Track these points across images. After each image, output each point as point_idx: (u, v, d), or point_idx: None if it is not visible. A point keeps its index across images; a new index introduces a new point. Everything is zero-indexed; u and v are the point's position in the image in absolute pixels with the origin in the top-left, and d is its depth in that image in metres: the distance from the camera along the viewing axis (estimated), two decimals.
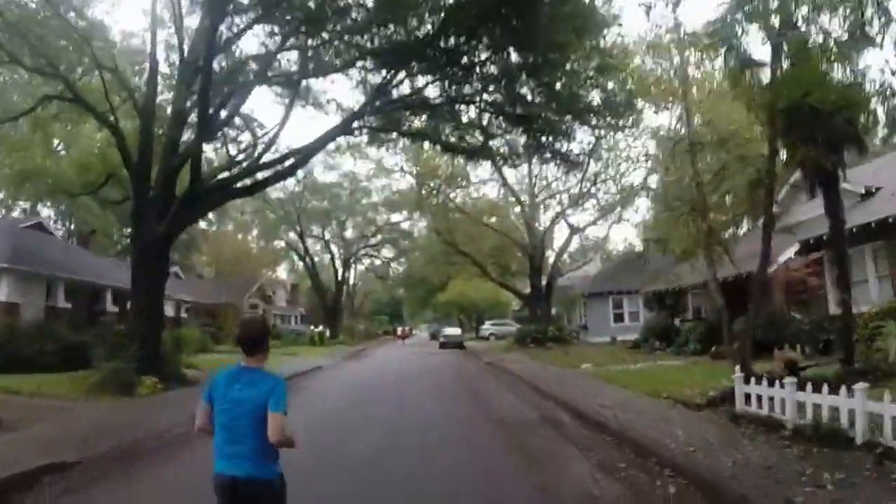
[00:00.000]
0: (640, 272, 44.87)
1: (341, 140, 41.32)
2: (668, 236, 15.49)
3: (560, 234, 50.07)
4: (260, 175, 23.39)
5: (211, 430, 4.49)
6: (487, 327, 69.53)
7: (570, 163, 25.01)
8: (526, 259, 48.69)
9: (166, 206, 19.98)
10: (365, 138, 32.11)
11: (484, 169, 48.15)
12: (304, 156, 22.44)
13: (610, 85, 21.97)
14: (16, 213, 47.11)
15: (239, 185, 22.63)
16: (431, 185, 46.76)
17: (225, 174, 23.64)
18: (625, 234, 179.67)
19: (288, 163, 22.98)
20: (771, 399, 11.27)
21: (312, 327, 64.95)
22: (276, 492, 4.45)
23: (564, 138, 23.44)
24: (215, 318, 51.09)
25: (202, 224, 72.55)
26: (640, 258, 42.23)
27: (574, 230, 46.72)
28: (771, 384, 11.34)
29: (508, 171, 46.04)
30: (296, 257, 75.09)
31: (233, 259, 59.09)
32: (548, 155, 23.89)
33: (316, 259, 76.09)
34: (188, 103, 20.02)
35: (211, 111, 20.89)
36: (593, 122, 22.85)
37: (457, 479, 9.26)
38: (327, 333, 62.92)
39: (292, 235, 70.08)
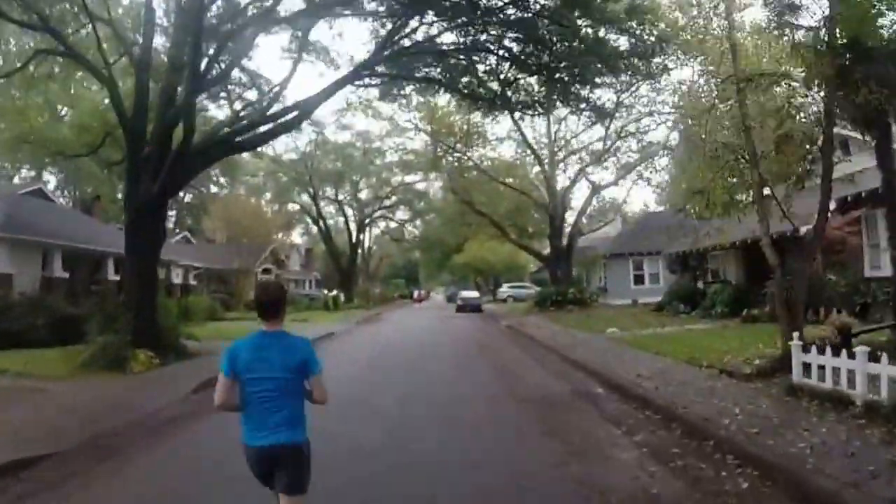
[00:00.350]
0: (660, 233, 43.51)
1: (353, 96, 40.11)
2: (708, 188, 13.78)
3: (580, 193, 48.48)
4: (263, 129, 21.79)
5: (235, 405, 4.43)
6: (505, 290, 68.12)
7: (599, 112, 23.33)
8: (545, 220, 47.25)
9: (162, 164, 18.57)
10: (377, 92, 30.47)
11: (501, 126, 46.68)
12: (308, 106, 20.88)
13: (638, 28, 20.31)
14: (17, 181, 45.89)
15: (240, 139, 21.12)
16: (446, 143, 45.11)
17: (226, 130, 22.16)
18: (643, 197, 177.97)
19: (292, 115, 21.42)
20: (835, 370, 9.83)
21: (326, 291, 64.11)
22: (307, 454, 4.51)
23: (591, 87, 21.90)
24: (227, 283, 50.18)
25: (213, 188, 71.84)
26: (674, 214, 40.69)
27: (596, 188, 45.06)
28: (836, 353, 9.94)
29: (527, 130, 44.69)
30: (309, 220, 73.69)
31: (245, 223, 57.75)
32: (574, 103, 22.21)
33: (330, 222, 74.99)
34: (186, 54, 18.47)
35: (206, 60, 19.44)
36: (621, 68, 21.16)
37: (484, 472, 7.77)
38: (342, 298, 61.97)
39: (305, 198, 68.81)
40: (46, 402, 12.17)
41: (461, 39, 21.56)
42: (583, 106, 22.61)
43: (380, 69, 22.24)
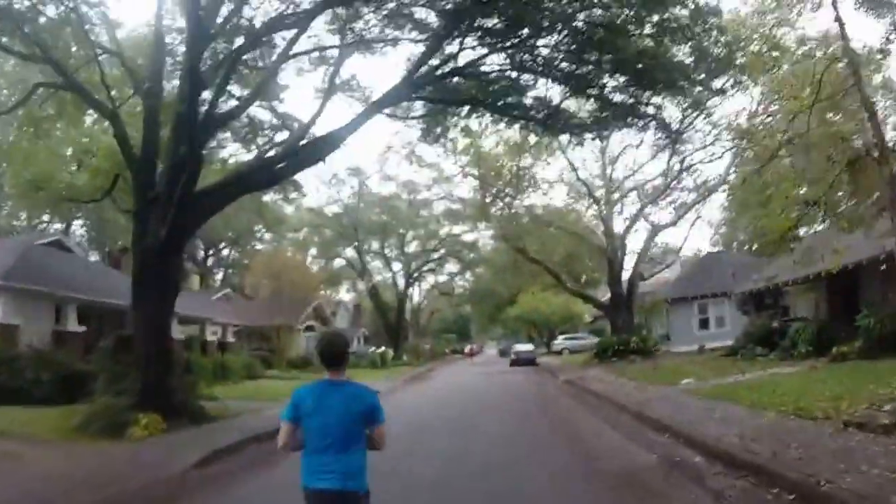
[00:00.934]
0: (722, 274, 41.53)
1: (394, 139, 38.30)
2: (827, 197, 11.09)
3: (637, 236, 45.40)
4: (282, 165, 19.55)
5: (297, 446, 4.55)
6: (560, 342, 64.78)
7: (663, 128, 20.60)
8: (601, 266, 44.67)
9: (171, 206, 16.41)
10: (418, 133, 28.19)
11: (552, 169, 44.38)
12: (333, 139, 18.53)
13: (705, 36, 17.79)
14: (45, 232, 44.50)
15: (258, 176, 18.96)
16: (495, 188, 42.79)
17: (244, 168, 20.05)
18: (696, 240, 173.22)
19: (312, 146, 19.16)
20: None
21: (373, 349, 61.86)
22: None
23: (652, 105, 19.33)
24: (268, 340, 48.11)
25: (258, 245, 70.31)
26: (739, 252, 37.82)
27: (655, 229, 42.13)
28: None
29: (581, 172, 42.19)
30: (355, 275, 71.79)
31: (287, 278, 55.74)
32: (635, 122, 19.52)
33: (377, 277, 73.16)
34: (187, 81, 16.35)
35: (214, 91, 17.39)
36: (686, 84, 18.56)
37: None
38: (390, 354, 59.60)
39: (351, 252, 67.02)
40: (9, 472, 10.05)
41: (506, 61, 19.23)
42: (643, 124, 19.83)
43: (416, 95, 19.85)
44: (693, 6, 16.48)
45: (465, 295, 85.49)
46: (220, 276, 72.65)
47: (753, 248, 60.21)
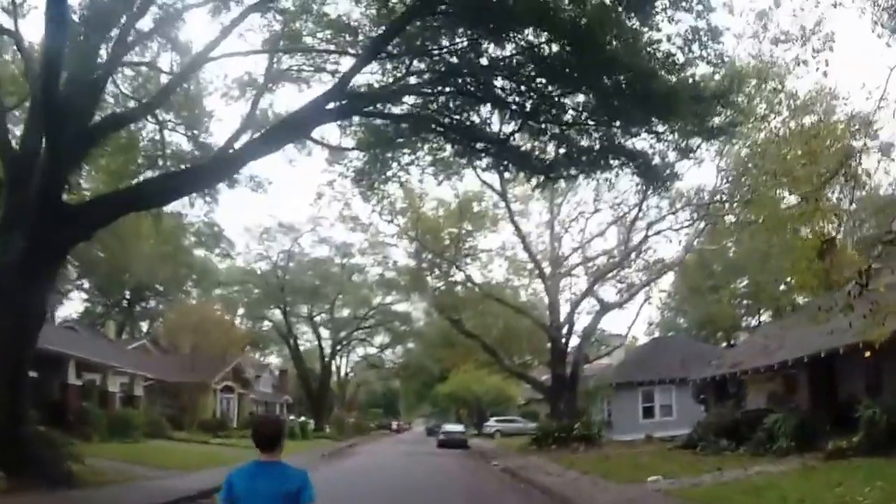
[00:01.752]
0: (670, 361, 39.35)
1: (325, 188, 35.40)
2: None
3: (582, 317, 42.39)
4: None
5: None
6: (492, 424, 60.79)
7: (652, 176, 17.67)
8: (541, 344, 41.67)
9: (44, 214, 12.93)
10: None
11: (494, 240, 41.82)
12: (243, 155, 15.36)
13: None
14: None
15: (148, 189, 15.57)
16: (432, 255, 39.76)
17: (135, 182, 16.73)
18: (641, 325, 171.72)
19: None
20: None
21: (293, 417, 57.58)
22: None
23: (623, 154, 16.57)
24: (178, 398, 43.61)
25: (188, 299, 65.46)
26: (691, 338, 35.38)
27: (604, 307, 39.16)
28: None
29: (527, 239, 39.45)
30: (281, 339, 67.42)
31: (207, 335, 51.21)
32: (616, 163, 16.54)
33: (306, 344, 69.19)
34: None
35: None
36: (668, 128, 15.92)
37: None
38: (311, 426, 55.42)
39: (277, 314, 62.70)
40: None
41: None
42: (619, 163, 16.85)
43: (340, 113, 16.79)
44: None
45: (395, 368, 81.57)
46: (145, 327, 67.73)
47: (702, 334, 58.73)
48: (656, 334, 54.34)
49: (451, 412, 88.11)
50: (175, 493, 15.83)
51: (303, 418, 55.27)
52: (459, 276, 40.84)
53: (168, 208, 25.68)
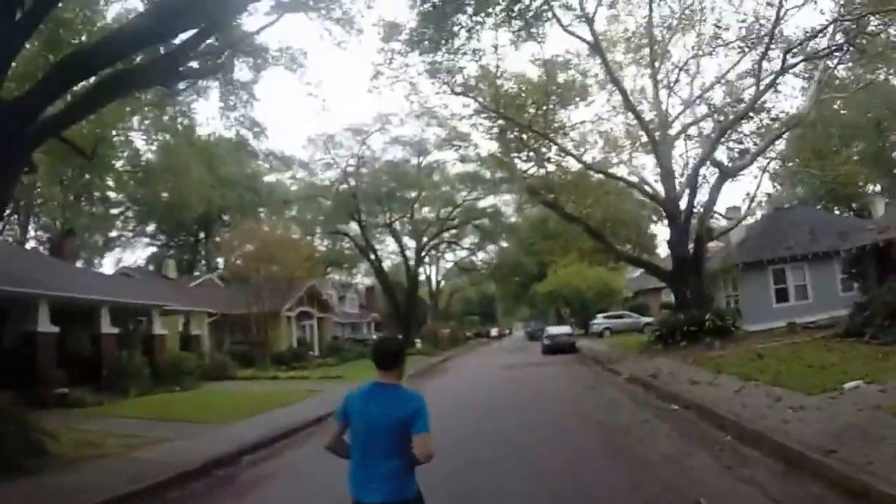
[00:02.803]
0: (798, 235, 34.72)
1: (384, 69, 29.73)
2: None
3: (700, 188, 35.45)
4: None
5: (340, 449, 4.55)
6: (600, 321, 54.79)
7: None
8: (646, 229, 35.61)
9: None
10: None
11: (588, 112, 35.22)
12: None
13: None
14: None
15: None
16: (518, 130, 33.48)
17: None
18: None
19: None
20: None
21: (377, 335, 53.20)
22: None
23: None
24: (248, 332, 39.30)
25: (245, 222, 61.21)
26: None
27: (725, 173, 32.00)
28: None
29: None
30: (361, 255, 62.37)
31: (271, 258, 46.58)
32: None
33: (392, 258, 64.36)
34: None
35: None
36: None
37: None
38: None
39: (355, 228, 57.50)
40: None
41: None
42: None
43: None
44: None
45: (488, 270, 75.95)
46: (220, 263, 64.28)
47: (825, 204, 51.03)
48: (770, 209, 46.85)
49: (551, 313, 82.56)
50: (172, 468, 10.92)
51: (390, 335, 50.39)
52: (552, 153, 34.46)
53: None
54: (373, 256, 58.47)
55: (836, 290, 32.04)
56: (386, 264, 64.08)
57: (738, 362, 19.85)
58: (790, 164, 38.08)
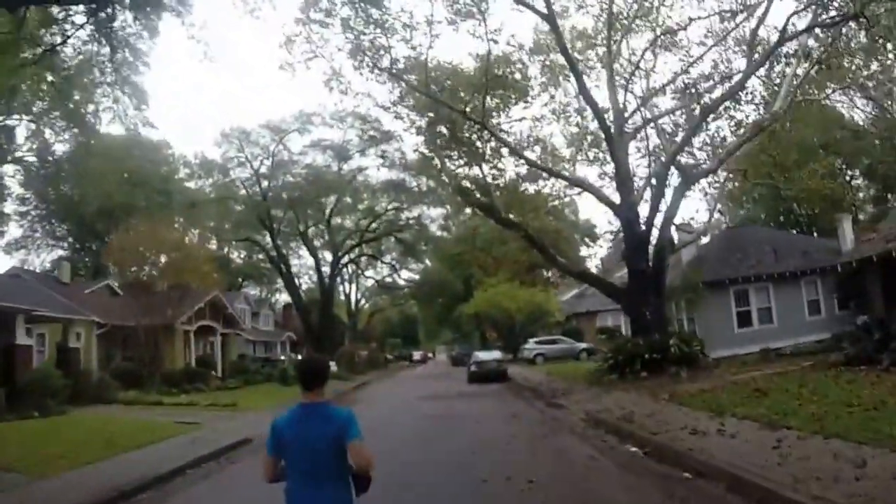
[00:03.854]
0: (759, 253, 31.81)
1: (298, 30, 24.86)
2: None
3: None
4: None
5: (279, 478, 4.37)
6: (532, 346, 49.48)
7: None
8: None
9: None
10: None
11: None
12: None
13: None
14: None
15: None
16: (450, 123, 28.50)
17: None
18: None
19: None
20: None
21: (284, 357, 47.96)
22: None
23: None
24: (138, 346, 33.54)
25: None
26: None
27: (688, 178, 27.43)
28: None
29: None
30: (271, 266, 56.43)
31: (173, 266, 40.23)
32: None
33: (312, 274, 58.66)
34: None
35: None
36: None
37: None
38: None
39: (267, 238, 51.58)
40: None
41: None
42: None
43: None
44: None
45: (411, 289, 70.67)
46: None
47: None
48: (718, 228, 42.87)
49: (475, 336, 77.91)
50: None
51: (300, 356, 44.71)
52: (488, 148, 29.55)
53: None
54: (287, 270, 52.59)
55: (803, 314, 30.03)
56: (304, 281, 58.71)
57: (735, 400, 15.20)
58: (747, 180, 33.74)
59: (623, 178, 27.17)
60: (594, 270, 29.91)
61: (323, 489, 4.13)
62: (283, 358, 49.71)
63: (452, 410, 21.60)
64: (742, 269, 30.77)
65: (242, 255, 75.68)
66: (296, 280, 61.10)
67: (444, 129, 29.22)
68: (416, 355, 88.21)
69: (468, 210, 30.95)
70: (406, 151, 44.27)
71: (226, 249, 76.52)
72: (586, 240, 61.37)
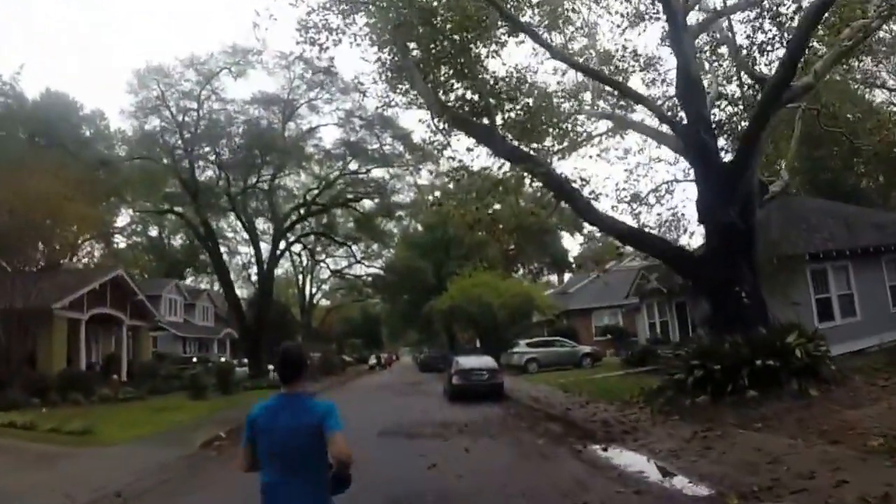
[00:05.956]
0: (822, 225, 24.75)
1: None
2: None
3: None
4: None
5: (254, 467, 4.25)
6: (523, 350, 38.75)
7: None
8: None
9: None
10: None
11: None
12: None
13: None
14: None
15: None
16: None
17: None
18: None
19: None
20: None
21: (223, 359, 38.40)
22: None
23: None
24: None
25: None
26: None
27: (777, 89, 17.36)
28: None
29: None
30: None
31: (43, 229, 29.92)
32: None
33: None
34: None
35: None
36: None
37: None
38: (239, 369, 36.00)
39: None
40: None
41: None
42: None
43: None
44: None
45: (375, 280, 60.11)
46: None
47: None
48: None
49: (442, 336, 68.52)
50: None
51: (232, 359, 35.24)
52: (489, 52, 19.66)
53: None
54: (214, 245, 42.24)
55: (887, 303, 23.41)
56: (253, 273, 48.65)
57: None
58: (821, 123, 24.70)
59: (691, 83, 17.45)
60: None
61: (298, 481, 3.99)
62: (222, 359, 39.91)
63: (442, 479, 10.90)
64: (817, 240, 23.32)
65: (181, 239, 65.74)
66: (235, 269, 51.40)
67: (419, 27, 19.23)
68: (372, 359, 76.40)
69: (453, 162, 20.54)
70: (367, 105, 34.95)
71: (159, 232, 66.80)
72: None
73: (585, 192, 18.55)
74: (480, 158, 19.68)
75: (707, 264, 16.83)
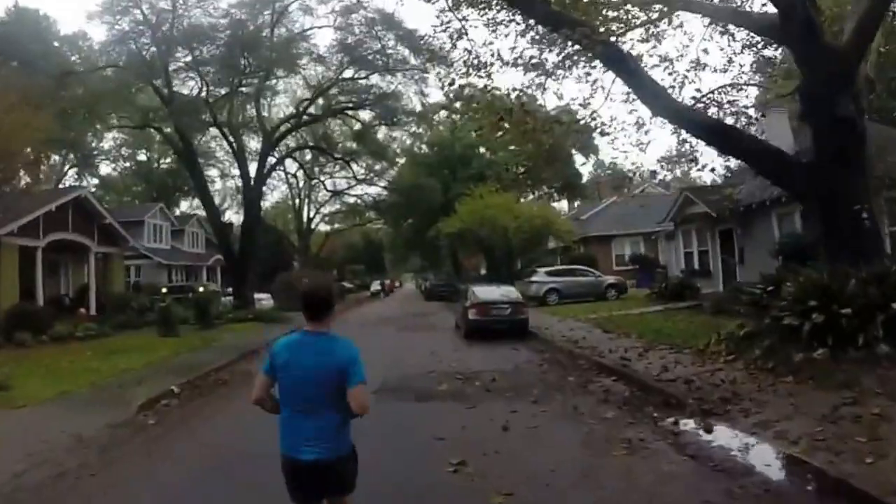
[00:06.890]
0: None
1: None
2: None
3: None
4: None
5: (269, 405, 4.17)
6: (542, 279, 34.65)
7: None
8: None
9: None
10: None
11: None
12: None
13: None
14: None
15: None
16: None
17: None
18: None
19: None
20: None
21: (201, 288, 34.67)
22: (351, 464, 4.14)
23: None
24: None
25: None
26: None
27: None
28: None
29: None
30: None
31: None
32: None
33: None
34: None
35: None
36: None
37: None
38: (222, 299, 33.95)
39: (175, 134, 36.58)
40: None
41: None
42: None
43: None
44: None
45: (377, 202, 55.97)
46: None
47: None
48: None
49: (447, 263, 66.36)
50: None
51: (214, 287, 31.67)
52: None
53: None
54: (191, 160, 37.92)
55: None
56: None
57: None
58: None
59: None
60: None
61: (317, 420, 3.88)
62: (200, 289, 36.06)
63: (476, 497, 7.20)
64: None
65: (169, 163, 61.77)
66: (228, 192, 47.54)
67: None
68: (375, 286, 72.88)
69: (469, 56, 16.18)
70: None
71: (149, 158, 62.84)
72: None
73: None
74: (503, 53, 15.43)
75: (815, 171, 12.73)
